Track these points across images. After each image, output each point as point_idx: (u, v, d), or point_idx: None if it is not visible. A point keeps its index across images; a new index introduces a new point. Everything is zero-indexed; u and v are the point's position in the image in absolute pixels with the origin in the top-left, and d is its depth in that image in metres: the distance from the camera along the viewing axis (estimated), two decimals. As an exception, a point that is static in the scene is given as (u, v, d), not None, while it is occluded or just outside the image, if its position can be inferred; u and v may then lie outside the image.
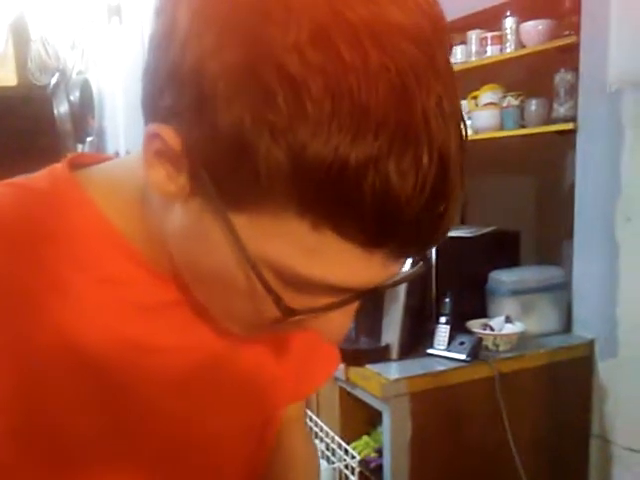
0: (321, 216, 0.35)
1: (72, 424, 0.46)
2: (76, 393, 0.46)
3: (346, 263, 0.38)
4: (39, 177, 0.48)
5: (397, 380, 1.47)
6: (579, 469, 1.68)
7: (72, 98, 3.81)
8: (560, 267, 1.78)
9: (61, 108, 3.83)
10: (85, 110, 3.84)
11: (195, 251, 0.42)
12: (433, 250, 1.62)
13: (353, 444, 1.68)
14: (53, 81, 3.88)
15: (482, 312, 1.71)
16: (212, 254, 0.41)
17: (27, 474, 0.47)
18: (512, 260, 1.79)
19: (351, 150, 0.33)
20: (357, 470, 1.41)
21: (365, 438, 1.76)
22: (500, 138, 1.84)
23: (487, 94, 1.86)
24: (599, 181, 1.62)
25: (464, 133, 0.38)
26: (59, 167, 0.49)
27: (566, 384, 1.65)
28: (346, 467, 1.44)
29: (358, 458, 1.41)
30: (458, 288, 1.63)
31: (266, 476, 0.65)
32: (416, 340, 1.62)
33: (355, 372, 1.55)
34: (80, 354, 0.45)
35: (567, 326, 1.74)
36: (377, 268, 0.39)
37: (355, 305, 0.44)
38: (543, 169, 2.02)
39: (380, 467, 1.58)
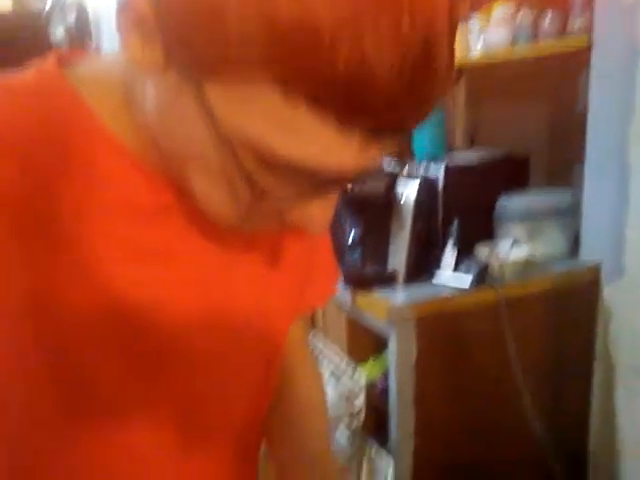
0: (294, 86, 0.34)
1: (93, 355, 0.47)
2: (93, 318, 0.46)
3: (323, 142, 0.37)
4: (28, 78, 0.47)
5: (403, 305, 1.48)
6: (582, 391, 1.72)
7: (68, 23, 3.68)
8: (570, 191, 1.75)
9: (57, 33, 3.71)
10: (82, 34, 3.72)
11: (174, 129, 0.42)
12: (441, 175, 1.60)
13: (359, 368, 1.72)
14: (48, 6, 3.73)
15: (489, 238, 1.70)
16: (188, 130, 0.40)
17: (54, 417, 0.48)
18: (521, 185, 1.76)
19: (324, 12, 0.32)
20: (364, 392, 1.44)
21: (371, 362, 1.80)
22: (512, 61, 1.76)
23: (499, 9, 1.77)
24: (613, 100, 1.56)
25: (456, 8, 0.36)
26: (48, 65, 0.47)
27: (571, 309, 1.66)
28: (352, 388, 1.48)
29: (364, 379, 1.44)
30: (466, 213, 1.62)
31: (273, 405, 0.67)
32: (422, 266, 1.62)
33: (362, 297, 1.57)
34: (92, 270, 0.45)
35: (574, 251, 1.73)
36: (354, 150, 0.38)
37: (335, 196, 0.43)
38: (556, 92, 1.95)
39: (386, 390, 1.62)
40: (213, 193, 0.43)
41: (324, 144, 0.37)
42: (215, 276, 0.53)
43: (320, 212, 0.44)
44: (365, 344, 1.81)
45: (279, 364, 0.65)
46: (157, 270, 0.49)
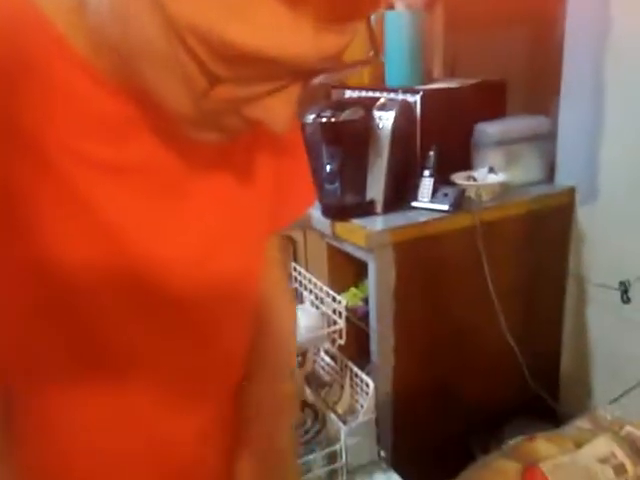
0: None
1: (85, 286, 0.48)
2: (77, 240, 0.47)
3: (275, 28, 0.37)
4: None
5: (381, 231, 1.51)
6: (555, 309, 1.79)
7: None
8: (547, 117, 1.76)
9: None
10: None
11: (127, 25, 0.41)
12: (418, 101, 1.59)
13: (341, 295, 1.76)
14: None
15: (467, 165, 1.71)
16: (140, 24, 0.40)
17: (56, 373, 0.49)
18: (498, 111, 1.76)
19: None
20: (344, 314, 1.49)
21: (353, 290, 1.85)
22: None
23: None
24: (589, 19, 1.55)
25: None
26: None
27: (546, 231, 1.71)
28: (334, 312, 1.52)
29: (344, 302, 1.48)
30: (443, 141, 1.62)
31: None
32: (400, 194, 1.64)
33: (341, 227, 1.59)
34: (73, 196, 0.46)
35: (550, 176, 1.76)
36: (309, 36, 0.38)
37: (297, 90, 0.43)
38: (536, 19, 1.93)
39: (366, 314, 1.67)
40: (169, 87, 0.43)
41: (277, 29, 0.36)
42: (186, 193, 0.52)
43: (281, 107, 0.43)
44: (346, 273, 1.85)
45: (257, 292, 0.66)
46: (136, 191, 0.49)
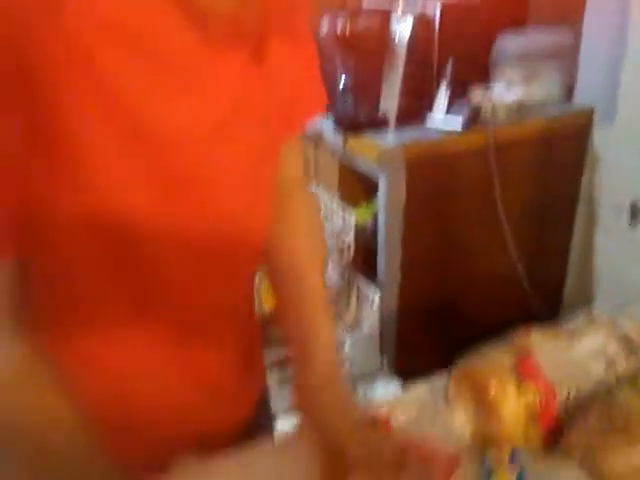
0: None
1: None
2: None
3: None
4: None
5: (394, 147, 1.49)
6: (564, 233, 1.78)
7: None
8: (570, 31, 1.69)
9: None
10: None
11: None
12: (437, 12, 1.53)
13: (350, 209, 1.77)
14: None
15: (484, 80, 1.66)
16: None
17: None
18: (520, 23, 1.69)
19: None
20: (353, 227, 1.50)
21: (363, 208, 1.85)
22: None
23: None
24: None
25: None
26: None
27: (561, 152, 1.68)
28: (343, 225, 1.53)
29: (354, 216, 1.49)
30: (461, 54, 1.57)
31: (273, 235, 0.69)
32: (415, 109, 1.60)
33: (353, 141, 1.57)
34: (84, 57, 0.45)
35: (568, 94, 1.71)
36: None
37: None
38: None
39: (375, 231, 1.68)
40: None
41: None
42: (200, 69, 0.52)
43: None
44: (356, 190, 1.84)
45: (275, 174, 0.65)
46: (146, 62, 0.48)
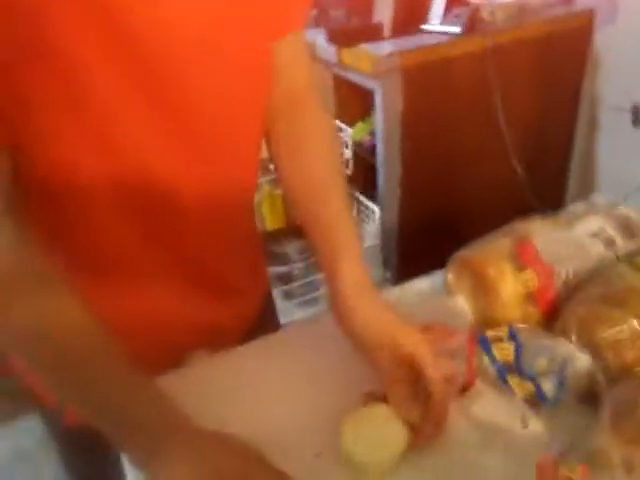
0: None
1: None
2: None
3: None
4: None
5: (389, 55, 1.44)
6: (565, 135, 1.76)
7: None
8: None
9: None
10: None
11: None
12: None
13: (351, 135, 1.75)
14: None
15: (482, -17, 1.60)
16: None
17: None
18: None
19: None
20: (350, 143, 1.48)
21: (360, 124, 1.82)
22: None
23: None
24: None
25: None
26: None
27: (562, 55, 1.63)
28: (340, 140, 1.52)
29: (350, 132, 1.47)
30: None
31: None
32: (410, 17, 1.55)
33: (347, 53, 1.53)
34: None
35: (570, -6, 1.65)
36: None
37: None
38: None
39: (374, 148, 1.66)
40: None
41: None
42: None
43: None
44: (353, 107, 1.81)
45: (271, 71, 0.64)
46: None
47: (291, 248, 1.49)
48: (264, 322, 0.80)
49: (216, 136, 0.59)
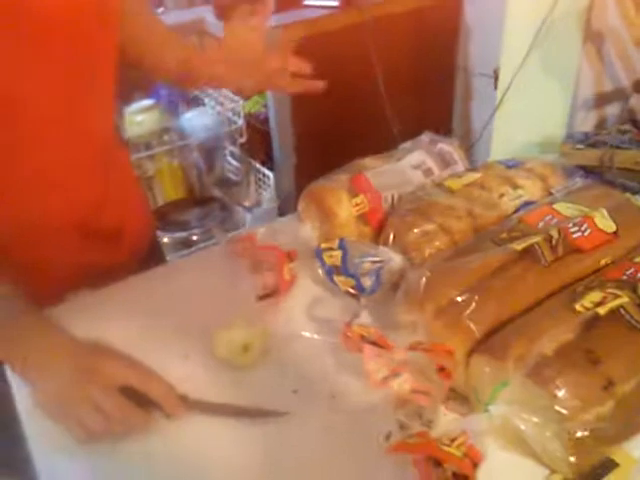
0: None
1: None
2: None
3: None
4: None
5: (274, 28, 1.54)
6: (445, 102, 1.92)
7: None
8: None
9: None
10: None
11: None
12: None
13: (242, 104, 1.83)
14: None
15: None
16: None
17: None
18: None
19: None
20: (242, 113, 1.57)
21: (255, 97, 1.91)
22: None
23: None
24: None
25: None
26: None
27: (435, 26, 1.77)
28: (233, 112, 1.60)
29: (242, 102, 1.56)
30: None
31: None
32: (293, -7, 1.65)
33: (235, 28, 1.61)
34: None
35: (440, -29, 1.80)
36: None
37: None
38: None
39: (267, 118, 1.76)
40: None
41: None
42: None
43: None
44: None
45: None
46: None
47: (190, 215, 1.57)
48: (150, 263, 0.89)
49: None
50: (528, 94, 1.61)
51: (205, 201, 1.64)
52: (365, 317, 0.66)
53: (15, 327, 0.58)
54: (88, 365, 0.56)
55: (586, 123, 1.59)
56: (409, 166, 0.79)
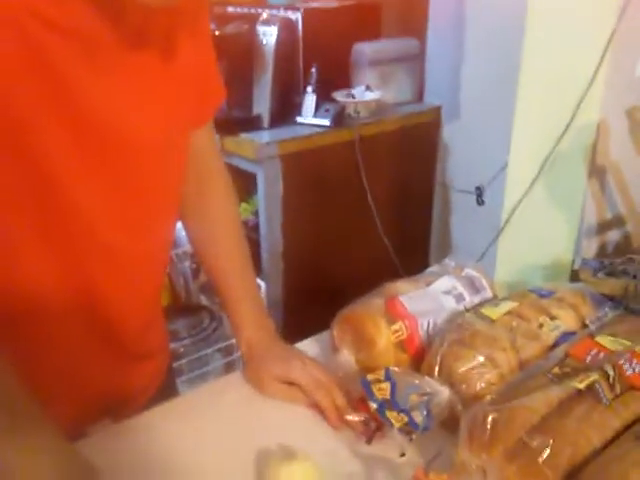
0: None
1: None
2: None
3: None
4: None
5: (269, 143, 1.60)
6: (424, 214, 2.01)
7: None
8: (418, 40, 1.92)
9: None
10: None
11: None
12: (299, 19, 1.67)
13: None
14: None
15: (347, 83, 1.84)
16: None
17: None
18: (374, 33, 1.88)
19: None
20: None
21: (243, 205, 1.94)
22: None
23: None
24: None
25: None
26: None
27: (416, 145, 1.89)
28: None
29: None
30: (324, 59, 1.72)
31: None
32: (286, 110, 1.73)
33: (230, 141, 1.66)
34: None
35: (419, 95, 1.94)
36: None
37: None
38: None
39: (257, 226, 1.78)
40: None
41: None
42: (118, 62, 0.57)
43: None
44: (237, 188, 1.92)
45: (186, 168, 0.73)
46: (79, 54, 0.54)
47: (178, 325, 1.52)
48: (165, 391, 0.84)
49: (149, 208, 0.67)
50: (534, 219, 1.70)
51: (193, 309, 1.60)
52: (412, 453, 0.64)
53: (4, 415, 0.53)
54: None
55: (590, 248, 1.68)
56: (440, 291, 0.80)
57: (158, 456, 0.66)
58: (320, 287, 1.78)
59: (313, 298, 1.74)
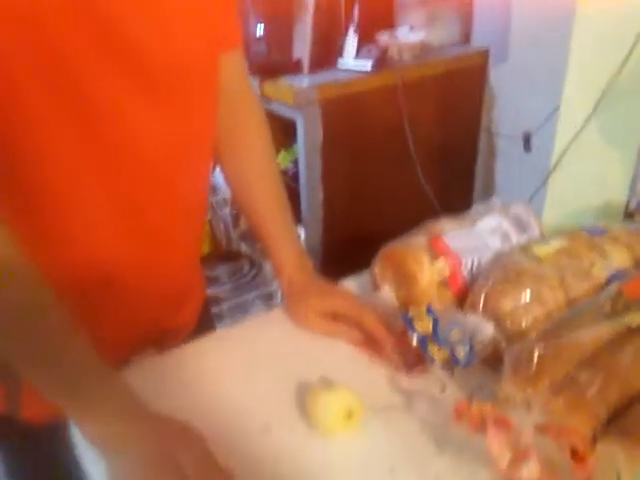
0: None
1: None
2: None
3: None
4: None
5: (309, 87, 1.56)
6: (468, 161, 1.95)
7: None
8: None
9: None
10: None
11: None
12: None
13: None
14: None
15: (390, 24, 1.77)
16: None
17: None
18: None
19: None
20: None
21: (282, 153, 1.93)
22: None
23: None
24: None
25: None
26: None
27: (461, 90, 1.82)
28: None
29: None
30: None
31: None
32: (326, 54, 1.68)
33: (269, 85, 1.63)
34: None
35: (466, 37, 1.85)
36: None
37: None
38: None
39: (296, 175, 1.76)
40: None
41: None
42: None
43: None
44: (275, 137, 1.88)
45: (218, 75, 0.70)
46: None
47: (219, 271, 1.54)
48: (202, 326, 0.86)
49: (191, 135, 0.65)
50: (586, 161, 1.62)
51: (233, 256, 1.61)
52: (453, 389, 0.63)
53: (91, 389, 0.54)
54: (166, 452, 0.52)
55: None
56: (485, 230, 0.77)
57: (202, 385, 0.67)
58: (359, 236, 1.76)
59: (352, 247, 1.73)
